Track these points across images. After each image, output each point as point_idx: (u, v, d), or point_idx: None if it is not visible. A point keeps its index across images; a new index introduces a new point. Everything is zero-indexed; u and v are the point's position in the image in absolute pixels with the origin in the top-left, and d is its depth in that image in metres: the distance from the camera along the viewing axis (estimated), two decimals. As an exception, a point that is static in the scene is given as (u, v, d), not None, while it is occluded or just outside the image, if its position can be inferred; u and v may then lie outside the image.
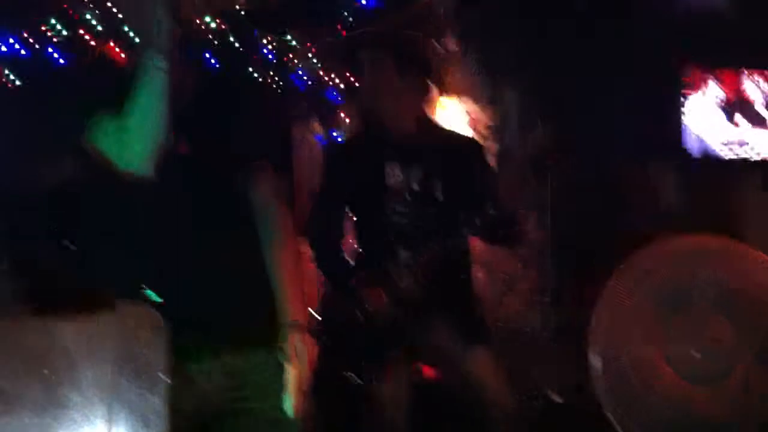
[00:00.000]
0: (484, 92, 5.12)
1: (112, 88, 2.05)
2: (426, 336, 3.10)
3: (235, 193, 2.21)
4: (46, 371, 1.26)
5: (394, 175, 3.03)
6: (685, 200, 4.58)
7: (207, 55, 5.12)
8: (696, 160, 4.67)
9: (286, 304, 2.20)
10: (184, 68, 2.08)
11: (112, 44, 5.07)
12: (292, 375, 2.13)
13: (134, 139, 1.92)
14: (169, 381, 1.32)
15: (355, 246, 3.22)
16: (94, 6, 4.88)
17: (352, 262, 3.16)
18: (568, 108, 4.55)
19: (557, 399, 4.39)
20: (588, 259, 3.60)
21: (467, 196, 2.95)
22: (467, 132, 4.72)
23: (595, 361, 3.45)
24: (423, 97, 3.16)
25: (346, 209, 3.19)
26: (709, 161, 4.71)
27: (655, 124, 4.55)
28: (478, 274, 4.93)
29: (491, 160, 2.80)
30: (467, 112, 5.32)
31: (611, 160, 4.50)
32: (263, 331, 2.18)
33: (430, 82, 3.16)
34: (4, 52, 4.75)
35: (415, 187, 3.00)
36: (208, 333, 2.03)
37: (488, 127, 5.10)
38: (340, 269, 3.17)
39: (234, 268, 2.14)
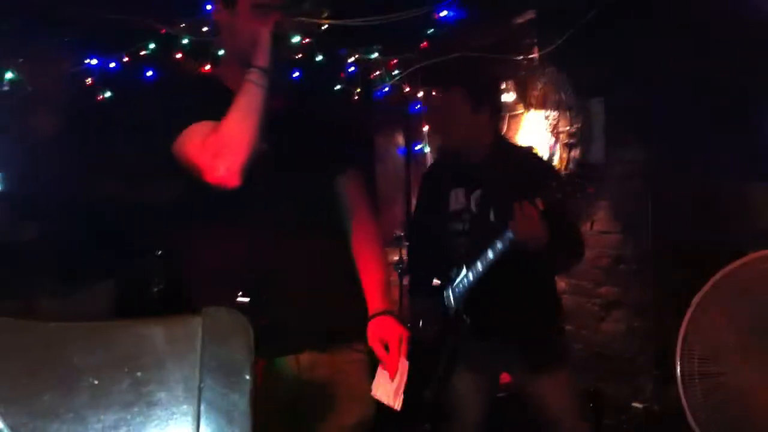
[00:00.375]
0: (567, 103, 5.08)
1: (209, 100, 2.06)
2: (498, 358, 3.16)
3: (327, 194, 2.26)
4: (135, 370, 1.28)
5: (458, 199, 3.12)
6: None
7: (297, 72, 5.24)
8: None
9: (372, 296, 2.24)
10: (280, 84, 2.10)
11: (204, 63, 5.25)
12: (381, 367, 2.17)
13: (228, 151, 1.93)
14: (253, 381, 1.34)
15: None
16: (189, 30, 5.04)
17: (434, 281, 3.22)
18: (657, 124, 4.47)
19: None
20: (689, 280, 3.50)
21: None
22: (543, 153, 4.67)
23: (688, 383, 3.33)
24: (494, 125, 3.19)
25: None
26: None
27: (747, 139, 4.42)
28: (568, 297, 4.88)
29: (563, 186, 2.77)
30: (548, 120, 5.28)
31: (707, 176, 4.39)
32: (357, 327, 2.23)
33: (500, 110, 3.25)
34: (100, 67, 4.96)
35: (475, 210, 3.06)
36: (302, 332, 2.08)
37: (570, 135, 5.05)
38: (421, 287, 3.29)
39: (330, 267, 2.19)
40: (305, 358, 2.11)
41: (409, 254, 3.47)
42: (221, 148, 1.93)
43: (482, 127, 3.11)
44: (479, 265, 2.97)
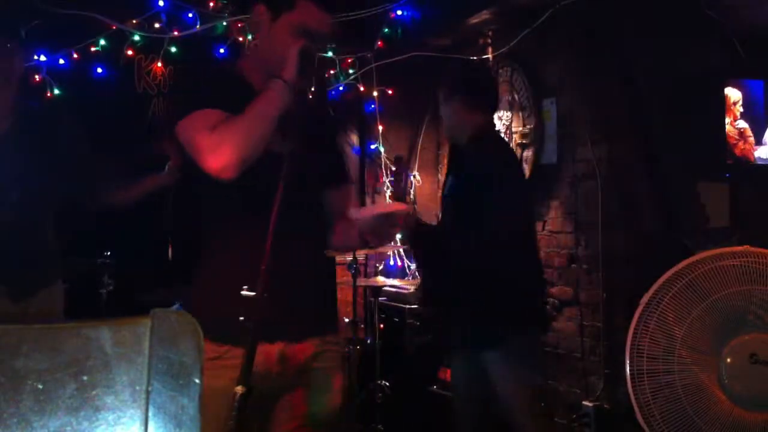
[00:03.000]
0: (521, 103, 5.12)
1: (227, 90, 2.15)
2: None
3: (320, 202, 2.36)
4: (81, 374, 1.26)
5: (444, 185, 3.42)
6: (733, 214, 4.52)
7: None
8: (741, 172, 4.60)
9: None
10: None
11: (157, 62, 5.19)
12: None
13: (232, 144, 2.01)
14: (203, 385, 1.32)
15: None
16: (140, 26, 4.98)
17: None
18: (608, 125, 4.52)
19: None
20: (640, 279, 3.55)
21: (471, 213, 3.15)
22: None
23: (637, 381, 3.37)
24: (477, 119, 3.37)
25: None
26: (755, 173, 4.64)
27: (700, 139, 4.49)
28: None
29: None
30: (501, 120, 5.32)
31: (658, 177, 4.45)
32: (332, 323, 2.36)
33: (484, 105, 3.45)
34: (48, 64, 4.88)
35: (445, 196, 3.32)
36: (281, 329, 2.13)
37: (524, 136, 5.08)
38: None
39: (316, 267, 2.29)
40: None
41: None
42: (228, 141, 2.00)
43: (471, 122, 3.34)
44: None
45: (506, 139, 4.99)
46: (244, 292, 1.81)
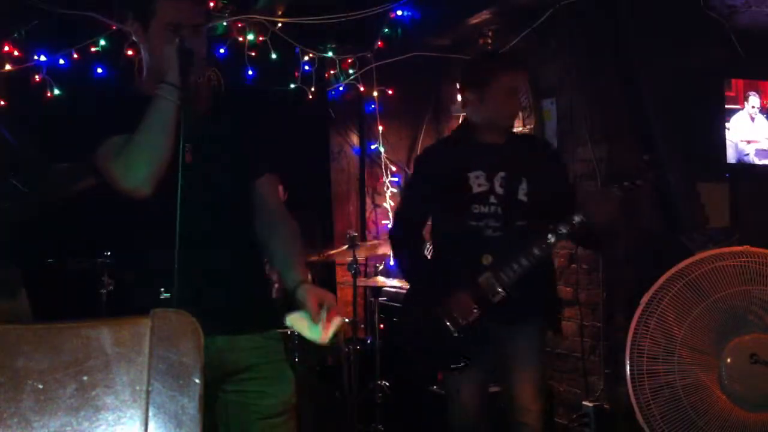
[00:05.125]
0: (523, 104, 5.11)
1: (132, 113, 2.17)
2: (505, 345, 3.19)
3: (243, 197, 2.37)
4: (81, 374, 1.26)
5: (480, 182, 3.13)
6: (733, 214, 4.51)
7: (249, 72, 5.21)
8: (741, 173, 4.59)
9: (292, 270, 2.31)
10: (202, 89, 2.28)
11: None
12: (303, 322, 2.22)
13: (141, 161, 2.09)
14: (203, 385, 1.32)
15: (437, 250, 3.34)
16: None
17: (431, 265, 3.30)
18: (614, 125, 4.52)
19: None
20: (640, 279, 3.55)
21: (552, 201, 3.07)
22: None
23: (637, 381, 3.37)
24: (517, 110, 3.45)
25: (428, 215, 3.35)
26: (754, 174, 4.63)
27: (700, 139, 4.49)
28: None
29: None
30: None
31: (658, 177, 4.45)
32: (264, 315, 2.37)
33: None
34: (48, 64, 4.88)
35: (500, 191, 3.11)
36: (221, 321, 2.14)
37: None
38: (420, 272, 3.33)
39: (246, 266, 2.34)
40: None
41: (400, 243, 3.37)
42: (132, 160, 2.09)
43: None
44: (536, 250, 3.01)
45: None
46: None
